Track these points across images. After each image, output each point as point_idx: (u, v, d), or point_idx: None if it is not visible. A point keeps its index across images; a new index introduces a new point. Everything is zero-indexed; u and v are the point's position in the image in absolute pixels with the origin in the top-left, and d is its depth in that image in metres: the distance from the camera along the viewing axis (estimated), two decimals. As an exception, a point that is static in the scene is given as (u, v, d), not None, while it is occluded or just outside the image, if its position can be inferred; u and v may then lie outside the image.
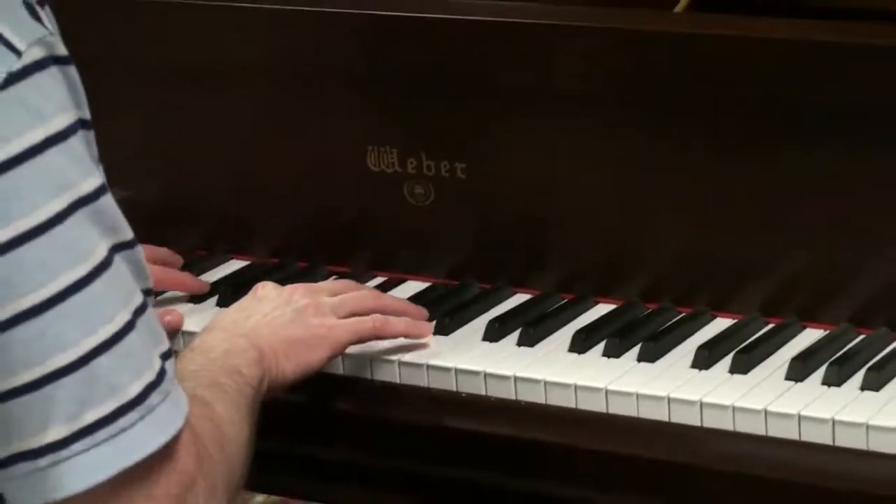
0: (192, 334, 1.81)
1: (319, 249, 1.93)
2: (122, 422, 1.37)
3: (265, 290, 1.79)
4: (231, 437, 1.56)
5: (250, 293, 1.80)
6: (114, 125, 1.48)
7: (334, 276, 1.94)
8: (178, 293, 1.93)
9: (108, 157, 1.45)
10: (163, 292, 1.89)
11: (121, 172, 1.45)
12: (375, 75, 1.98)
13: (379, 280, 2.02)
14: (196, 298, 1.96)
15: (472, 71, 1.94)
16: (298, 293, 1.79)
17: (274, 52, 2.03)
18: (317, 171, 1.99)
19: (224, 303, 1.94)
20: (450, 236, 1.96)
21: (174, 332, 1.80)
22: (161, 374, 1.42)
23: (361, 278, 1.98)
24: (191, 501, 1.46)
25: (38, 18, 1.38)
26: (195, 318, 1.88)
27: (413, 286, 1.92)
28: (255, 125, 2.00)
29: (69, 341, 1.36)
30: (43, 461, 1.37)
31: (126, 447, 1.38)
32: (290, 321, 1.77)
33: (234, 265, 2.01)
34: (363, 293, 1.82)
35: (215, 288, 1.97)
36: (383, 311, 1.80)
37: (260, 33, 2.04)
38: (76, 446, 1.36)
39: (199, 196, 1.87)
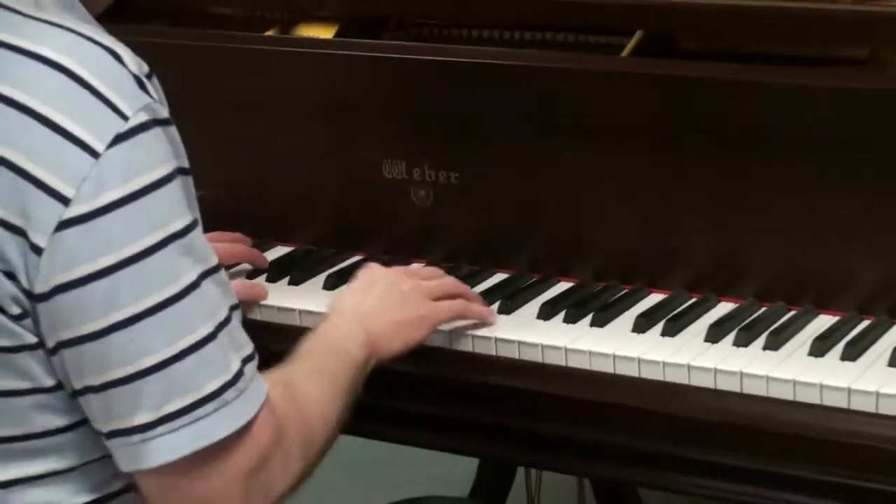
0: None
1: (346, 238, 1.92)
2: (198, 413, 1.36)
3: (375, 274, 1.76)
4: (319, 414, 1.53)
5: (362, 275, 1.77)
6: (195, 142, 1.49)
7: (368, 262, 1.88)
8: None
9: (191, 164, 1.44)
10: (236, 264, 1.89)
11: (198, 177, 1.46)
12: (390, 107, 1.98)
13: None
14: (253, 273, 1.94)
15: (461, 106, 1.93)
16: (403, 278, 1.77)
17: (315, 88, 2.02)
18: (344, 178, 1.99)
19: (272, 278, 1.93)
20: (445, 229, 1.96)
21: (258, 301, 1.78)
22: (238, 375, 1.40)
23: (376, 259, 1.94)
24: (262, 475, 1.44)
25: (144, 88, 1.35)
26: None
27: (416, 267, 1.90)
28: (299, 143, 2.00)
29: (154, 348, 1.35)
30: (133, 438, 1.36)
31: (201, 433, 1.37)
32: (399, 304, 1.73)
33: (281, 250, 2.00)
34: (450, 280, 1.80)
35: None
36: (463, 296, 1.79)
37: (304, 73, 2.03)
38: (159, 430, 1.36)
39: (254, 196, 1.89)
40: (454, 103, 1.94)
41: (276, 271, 1.94)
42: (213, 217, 1.52)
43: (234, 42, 2.10)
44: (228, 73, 2.02)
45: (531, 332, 1.79)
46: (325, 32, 2.10)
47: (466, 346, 1.81)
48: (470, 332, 1.80)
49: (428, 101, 1.96)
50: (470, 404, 1.80)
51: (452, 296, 1.79)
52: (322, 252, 2.00)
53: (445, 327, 1.80)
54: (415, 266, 1.81)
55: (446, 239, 1.96)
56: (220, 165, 1.49)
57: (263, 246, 2.01)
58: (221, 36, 2.13)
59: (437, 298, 1.77)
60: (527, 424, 1.78)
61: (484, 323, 1.82)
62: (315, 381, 1.56)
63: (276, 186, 2.01)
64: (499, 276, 1.92)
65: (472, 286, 1.88)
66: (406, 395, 1.83)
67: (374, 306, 1.71)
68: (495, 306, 1.85)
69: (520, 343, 1.78)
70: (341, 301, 1.74)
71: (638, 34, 1.91)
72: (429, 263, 1.94)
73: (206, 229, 1.46)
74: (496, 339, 1.79)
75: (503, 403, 1.79)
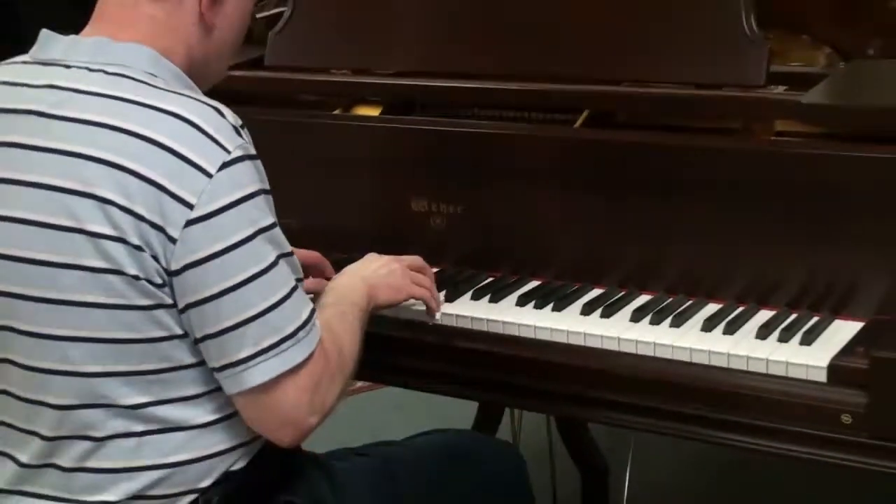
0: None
1: (385, 251, 1.84)
2: (283, 346, 1.37)
3: (374, 257, 1.74)
4: (346, 346, 1.51)
5: (367, 256, 1.75)
6: (286, 185, 1.51)
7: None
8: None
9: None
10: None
11: (286, 209, 1.48)
12: (417, 162, 1.97)
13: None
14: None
15: (465, 161, 1.93)
16: (393, 260, 1.74)
17: (367, 149, 2.02)
18: (385, 210, 1.99)
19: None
20: (453, 245, 1.95)
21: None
22: (306, 321, 1.41)
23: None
24: (319, 392, 1.43)
25: (239, 134, 1.38)
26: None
27: (404, 256, 1.82)
28: (355, 187, 2.01)
29: (252, 304, 1.36)
30: (238, 368, 1.37)
31: (284, 360, 1.38)
32: (387, 274, 1.69)
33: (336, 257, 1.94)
34: (427, 269, 1.79)
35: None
36: (429, 288, 1.77)
37: (360, 139, 2.05)
38: (257, 360, 1.37)
39: (324, 223, 1.90)
40: (460, 159, 1.93)
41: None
42: (296, 237, 1.53)
43: (312, 118, 2.10)
44: (308, 139, 2.03)
45: (511, 315, 1.78)
46: (373, 111, 2.09)
47: (470, 325, 1.80)
48: (476, 316, 1.79)
49: (442, 158, 1.95)
50: (471, 364, 1.79)
51: (422, 283, 1.76)
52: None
53: (464, 312, 1.79)
54: (404, 256, 1.78)
55: (453, 251, 1.94)
56: (302, 201, 1.50)
57: (329, 257, 1.95)
58: (303, 114, 2.14)
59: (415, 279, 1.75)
60: (510, 379, 1.77)
61: (486, 309, 1.80)
62: (340, 325, 1.53)
63: (339, 216, 2.00)
64: (489, 278, 1.90)
65: (471, 284, 1.87)
66: (427, 357, 1.82)
67: (372, 272, 1.68)
68: (486, 298, 1.83)
69: (503, 322, 1.77)
70: (351, 267, 1.71)
71: (586, 112, 1.90)
72: (440, 269, 1.91)
73: (292, 245, 1.47)
74: (488, 321, 1.78)
75: (493, 364, 1.77)
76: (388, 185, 1.99)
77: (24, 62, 1.46)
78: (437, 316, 1.79)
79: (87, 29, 1.46)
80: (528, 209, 1.89)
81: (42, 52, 1.44)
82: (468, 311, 1.81)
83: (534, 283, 1.87)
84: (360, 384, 2.82)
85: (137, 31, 1.42)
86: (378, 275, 1.69)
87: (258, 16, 2.29)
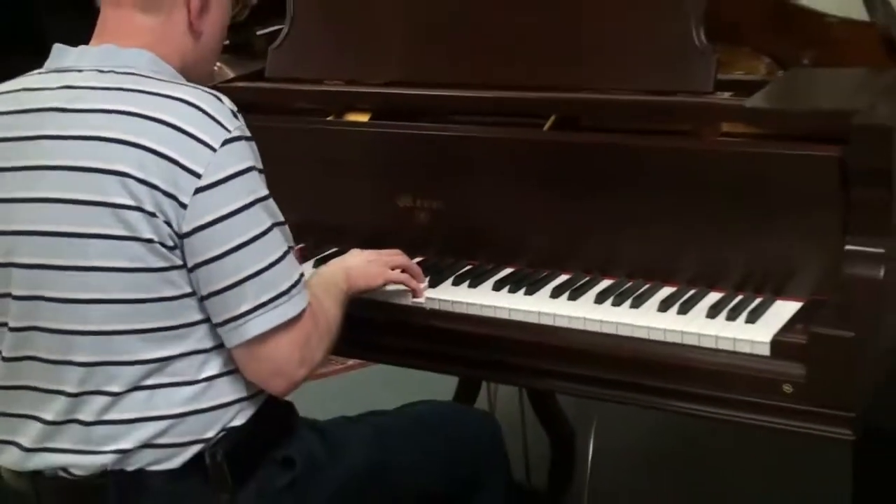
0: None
1: (375, 242, 1.87)
2: (278, 302, 1.40)
3: (357, 251, 1.77)
4: (330, 315, 1.54)
5: (351, 251, 1.78)
6: (285, 184, 1.51)
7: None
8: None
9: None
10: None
11: (284, 205, 1.48)
12: (402, 162, 1.96)
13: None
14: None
15: (445, 161, 1.91)
16: (372, 253, 1.76)
17: (357, 151, 2.02)
18: (374, 206, 1.97)
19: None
20: (435, 237, 1.93)
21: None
22: (297, 282, 1.44)
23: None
24: (308, 347, 1.46)
25: (237, 117, 1.42)
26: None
27: (416, 260, 1.86)
28: (347, 185, 1.99)
29: (252, 263, 1.39)
30: (240, 321, 1.40)
31: (279, 314, 1.41)
32: (366, 264, 1.71)
33: (330, 250, 1.96)
34: (403, 258, 1.79)
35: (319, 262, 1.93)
36: (408, 270, 1.78)
37: (351, 142, 2.03)
38: (255, 313, 1.39)
39: (319, 217, 1.88)
40: (441, 160, 1.92)
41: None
42: (294, 232, 1.52)
43: (308, 124, 2.10)
44: (305, 143, 2.01)
45: (489, 299, 1.77)
46: (363, 117, 2.07)
47: (451, 307, 1.79)
48: (457, 300, 1.78)
49: (425, 159, 1.93)
50: (453, 343, 1.78)
51: (403, 269, 1.77)
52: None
53: (446, 297, 1.78)
54: (383, 250, 1.79)
55: (435, 242, 1.93)
56: (299, 199, 1.50)
57: (322, 248, 1.98)
58: (300, 121, 2.13)
59: (393, 268, 1.75)
60: (488, 355, 1.76)
61: (466, 294, 1.79)
62: (325, 297, 1.56)
63: (333, 213, 1.98)
64: (468, 266, 1.89)
65: (451, 271, 1.86)
66: (414, 337, 1.81)
67: (353, 263, 1.70)
68: (465, 283, 1.82)
69: (481, 305, 1.76)
70: (334, 259, 1.76)
71: (553, 117, 1.89)
72: (424, 259, 1.90)
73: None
74: (467, 304, 1.77)
75: (473, 343, 1.76)
76: (376, 184, 1.97)
77: (40, 72, 1.49)
78: (423, 299, 1.79)
79: (92, 42, 1.49)
80: (502, 204, 1.88)
81: (56, 63, 1.48)
82: (450, 295, 1.80)
83: (508, 270, 1.85)
84: (351, 362, 2.79)
85: (138, 40, 1.46)
86: (357, 264, 1.71)
87: (259, 32, 2.31)
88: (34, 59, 1.54)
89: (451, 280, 1.84)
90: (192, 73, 1.52)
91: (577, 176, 1.82)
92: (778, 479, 2.66)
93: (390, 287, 1.77)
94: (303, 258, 1.87)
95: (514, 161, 1.88)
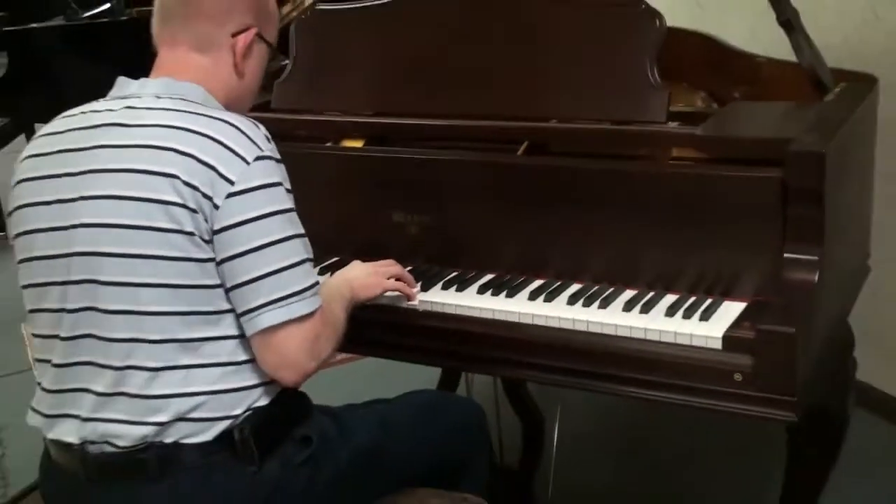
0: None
1: (373, 253, 1.85)
2: (290, 300, 1.41)
3: (357, 263, 1.77)
4: (337, 319, 1.54)
5: (351, 263, 1.76)
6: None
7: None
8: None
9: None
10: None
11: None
12: (396, 184, 1.94)
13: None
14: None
15: (432, 182, 1.90)
16: (370, 265, 1.75)
17: (355, 173, 2.01)
18: (372, 221, 1.96)
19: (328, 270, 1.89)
20: (424, 247, 1.92)
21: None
22: (310, 287, 1.44)
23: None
24: (318, 343, 1.46)
25: (269, 141, 1.45)
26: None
27: (408, 267, 1.85)
28: (347, 203, 1.98)
29: (269, 264, 1.39)
30: (255, 313, 1.40)
31: (290, 311, 1.41)
32: (366, 276, 1.71)
33: (333, 260, 1.95)
34: (398, 268, 1.78)
35: (324, 269, 1.92)
36: (403, 279, 1.77)
37: (348, 165, 2.02)
38: (270, 307, 1.40)
39: (323, 231, 1.74)
40: (428, 181, 1.91)
41: (328, 271, 1.90)
42: None
43: (309, 150, 2.08)
44: (307, 166, 1.92)
45: (474, 301, 1.77)
46: (357, 143, 2.07)
47: (442, 309, 1.79)
48: (446, 302, 1.78)
49: (414, 180, 1.93)
50: (443, 339, 1.78)
51: (398, 277, 1.76)
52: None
53: (437, 300, 1.78)
54: (380, 261, 1.79)
55: (425, 252, 1.92)
56: (304, 216, 1.48)
57: (327, 260, 1.96)
58: (303, 147, 2.10)
59: (389, 277, 1.75)
60: (474, 350, 1.75)
61: (454, 297, 1.79)
62: (334, 303, 1.56)
63: (335, 227, 1.95)
64: (454, 272, 1.88)
65: (440, 277, 1.85)
66: (409, 335, 1.81)
67: (354, 274, 1.70)
68: (453, 288, 1.81)
69: (468, 307, 1.76)
70: (338, 271, 1.74)
71: (525, 143, 1.89)
72: (414, 267, 1.89)
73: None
74: (456, 306, 1.77)
75: (461, 339, 1.76)
76: (372, 201, 1.96)
77: (106, 100, 1.52)
78: (416, 302, 1.79)
79: (151, 74, 1.54)
80: (483, 219, 1.87)
81: (119, 91, 1.52)
82: (439, 298, 1.79)
83: (489, 276, 1.85)
84: (342, 356, 2.78)
85: (191, 75, 1.51)
86: (358, 276, 1.70)
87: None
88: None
89: (440, 285, 1.83)
90: (234, 108, 1.54)
91: (548, 194, 1.82)
92: (723, 456, 2.67)
93: (389, 293, 1.76)
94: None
95: (493, 181, 1.87)
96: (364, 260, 1.80)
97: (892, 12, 2.54)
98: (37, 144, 1.50)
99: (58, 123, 1.51)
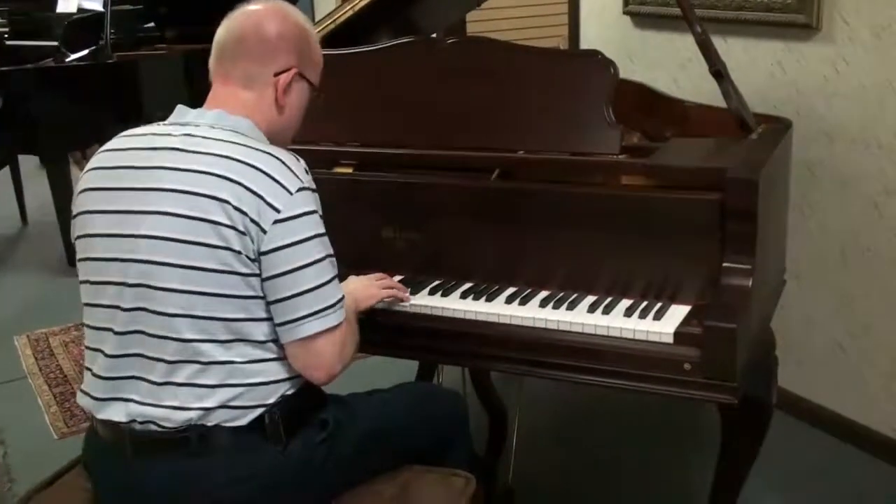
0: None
1: (366, 265, 1.89)
2: (327, 312, 1.45)
3: (353, 278, 1.80)
4: (354, 327, 1.59)
5: (348, 279, 1.77)
6: None
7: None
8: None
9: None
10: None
11: None
12: (385, 204, 1.97)
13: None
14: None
15: (417, 203, 1.93)
16: (365, 278, 1.80)
17: (348, 195, 2.01)
18: (364, 236, 1.97)
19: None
20: (412, 259, 1.94)
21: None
22: (340, 300, 1.49)
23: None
24: (346, 345, 1.51)
25: (308, 173, 1.49)
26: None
27: (397, 278, 1.88)
28: (343, 220, 1.97)
29: (308, 282, 1.44)
30: (297, 323, 1.44)
31: (324, 322, 1.46)
32: (363, 287, 1.76)
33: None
34: (389, 280, 1.84)
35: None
36: (395, 288, 1.81)
37: (342, 189, 2.03)
38: (308, 319, 1.45)
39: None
40: (413, 202, 1.95)
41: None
42: None
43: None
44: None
45: (458, 304, 1.82)
46: (348, 170, 2.08)
47: (430, 311, 1.82)
48: (434, 305, 1.82)
49: (402, 201, 1.96)
50: (432, 338, 1.82)
51: (390, 287, 1.80)
52: (358, 274, 1.91)
53: (426, 303, 1.81)
54: (371, 274, 1.83)
55: (412, 264, 1.94)
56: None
57: None
58: None
59: (383, 288, 1.78)
60: (460, 346, 1.79)
61: (441, 301, 1.82)
62: (349, 313, 1.58)
63: (331, 241, 1.92)
64: (437, 281, 1.91)
65: (426, 284, 1.87)
66: (402, 335, 1.83)
67: (353, 287, 1.73)
68: (439, 293, 1.84)
69: (454, 309, 1.81)
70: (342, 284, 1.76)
71: (497, 170, 1.91)
72: (404, 277, 1.92)
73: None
74: (443, 308, 1.81)
75: (448, 337, 1.79)
76: (364, 220, 1.99)
77: (165, 124, 1.56)
78: (408, 305, 1.84)
79: (205, 105, 1.57)
80: (461, 235, 1.91)
81: (178, 118, 1.56)
82: (427, 301, 1.84)
83: (469, 284, 1.89)
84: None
85: (240, 109, 1.55)
86: (358, 289, 1.74)
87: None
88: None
89: (427, 290, 1.89)
90: (275, 138, 1.57)
91: (518, 214, 1.87)
92: (664, 443, 2.72)
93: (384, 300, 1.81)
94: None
95: (470, 202, 1.91)
96: (357, 273, 1.84)
97: (795, 68, 2.69)
98: (99, 159, 1.54)
99: (119, 141, 1.55)
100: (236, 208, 1.41)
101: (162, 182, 1.45)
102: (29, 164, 5.17)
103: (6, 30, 8.39)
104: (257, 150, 1.46)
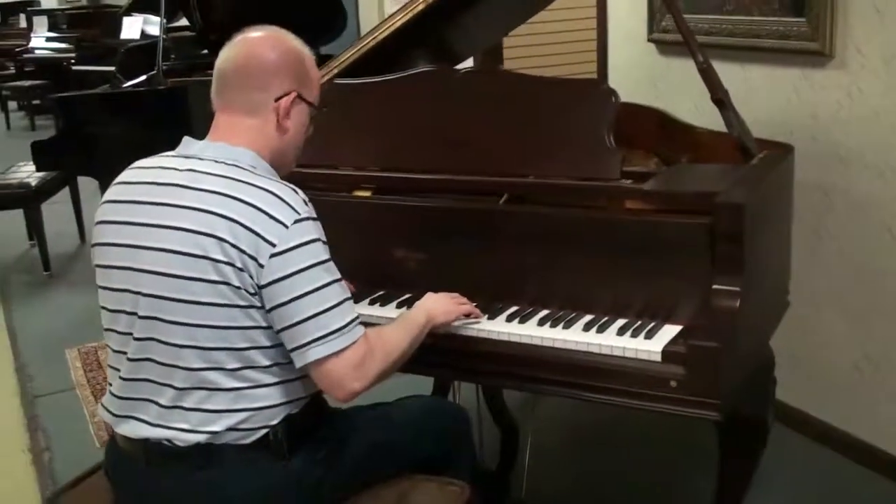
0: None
1: (384, 283, 1.95)
2: (332, 336, 1.47)
3: (431, 294, 1.81)
4: (391, 342, 1.58)
5: (426, 295, 1.79)
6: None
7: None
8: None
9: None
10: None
11: None
12: (399, 227, 2.01)
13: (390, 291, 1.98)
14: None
15: (428, 227, 1.96)
16: (442, 295, 1.81)
17: (366, 218, 2.07)
18: (379, 257, 2.01)
19: (357, 300, 1.90)
20: (422, 278, 1.96)
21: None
22: (350, 322, 1.49)
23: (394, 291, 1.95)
24: (362, 368, 1.50)
25: (307, 204, 1.50)
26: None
27: (407, 295, 1.91)
28: (359, 242, 2.02)
29: (311, 308, 1.45)
30: (303, 349, 1.46)
31: (333, 345, 1.47)
32: (442, 304, 1.77)
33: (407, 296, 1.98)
34: (463, 299, 1.84)
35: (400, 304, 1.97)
36: (469, 307, 1.83)
37: (360, 212, 2.08)
38: (313, 345, 1.46)
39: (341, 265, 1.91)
40: (424, 224, 1.98)
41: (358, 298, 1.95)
42: None
43: (326, 197, 2.05)
44: (323, 212, 1.94)
45: (463, 321, 1.83)
46: (366, 193, 2.12)
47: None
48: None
49: (416, 224, 2.00)
50: (436, 355, 1.81)
51: (465, 304, 1.82)
52: (373, 290, 2.02)
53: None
54: (450, 293, 1.83)
55: (422, 283, 1.95)
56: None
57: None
58: (320, 195, 2.05)
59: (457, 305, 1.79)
60: (481, 365, 1.82)
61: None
62: (391, 330, 1.62)
63: (347, 263, 1.82)
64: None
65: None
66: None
67: (429, 304, 1.75)
68: None
69: (456, 326, 1.82)
70: (419, 301, 1.79)
71: (506, 195, 1.94)
72: (414, 293, 1.92)
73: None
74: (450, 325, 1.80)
75: (448, 353, 1.84)
76: (378, 241, 2.02)
77: (172, 155, 1.59)
78: (458, 324, 1.83)
79: (209, 136, 1.59)
80: (469, 255, 1.93)
81: (184, 150, 1.59)
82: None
83: (474, 303, 1.91)
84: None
85: (243, 139, 1.56)
86: (437, 306, 1.76)
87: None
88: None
89: None
90: (278, 161, 1.60)
91: (524, 236, 1.89)
92: (667, 459, 2.71)
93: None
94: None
95: (478, 225, 1.94)
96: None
97: (810, 94, 2.71)
98: (112, 192, 1.58)
99: (130, 174, 1.59)
100: (233, 245, 1.43)
101: (165, 219, 1.48)
102: (88, 184, 5.32)
103: (73, 55, 8.75)
104: (255, 186, 1.47)
